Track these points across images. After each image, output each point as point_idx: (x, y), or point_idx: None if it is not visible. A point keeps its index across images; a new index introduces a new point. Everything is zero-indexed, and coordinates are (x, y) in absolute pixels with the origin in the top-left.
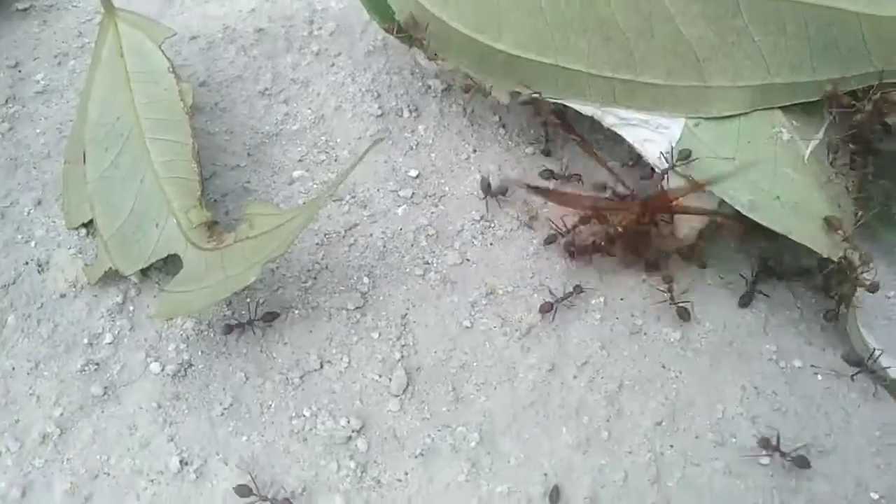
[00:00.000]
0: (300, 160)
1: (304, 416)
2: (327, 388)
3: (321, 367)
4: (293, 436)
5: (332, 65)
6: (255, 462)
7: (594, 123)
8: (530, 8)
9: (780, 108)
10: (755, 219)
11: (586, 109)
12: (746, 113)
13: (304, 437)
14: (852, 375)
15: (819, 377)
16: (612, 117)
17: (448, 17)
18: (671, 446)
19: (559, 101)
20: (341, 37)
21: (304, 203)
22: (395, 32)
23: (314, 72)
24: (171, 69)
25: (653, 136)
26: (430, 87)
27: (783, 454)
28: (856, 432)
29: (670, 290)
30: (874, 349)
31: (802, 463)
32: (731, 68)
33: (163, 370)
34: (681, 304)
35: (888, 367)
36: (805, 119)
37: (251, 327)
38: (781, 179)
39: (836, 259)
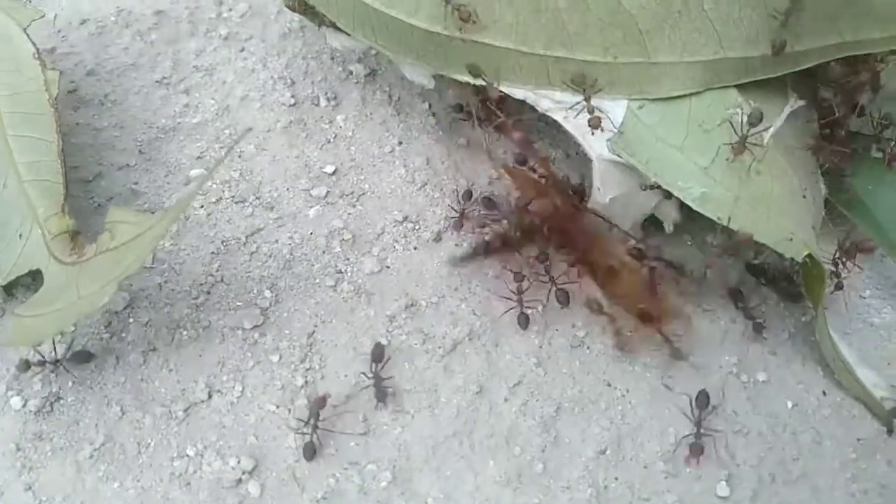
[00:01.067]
0: (199, 157)
1: (187, 455)
2: (216, 422)
3: (209, 397)
4: (174, 480)
5: (242, 50)
6: None
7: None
8: None
9: (736, 86)
10: (707, 214)
11: (517, 92)
12: (697, 93)
13: (187, 480)
14: (824, 391)
15: (785, 392)
16: (546, 101)
17: None
18: (616, 479)
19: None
20: (254, 19)
21: (201, 207)
22: (301, 10)
23: (221, 58)
24: (36, 56)
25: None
26: (351, 72)
27: None
28: (828, 455)
29: (547, 272)
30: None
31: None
32: (678, 42)
33: (25, 405)
34: (560, 287)
35: (864, 379)
36: (765, 99)
37: (56, 368)
38: (737, 169)
39: (799, 260)
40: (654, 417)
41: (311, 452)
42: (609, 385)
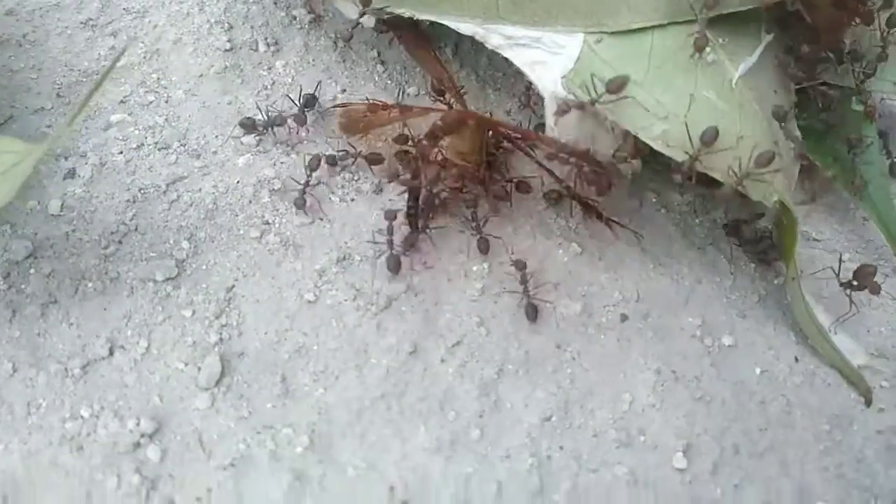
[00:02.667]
0: (122, 101)
1: (81, 417)
2: (116, 380)
3: (111, 353)
4: (65, 443)
5: None
6: (10, 479)
7: (492, 58)
8: None
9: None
10: (668, 154)
11: (465, 28)
12: (660, 26)
13: (80, 444)
14: (796, 357)
15: (754, 358)
16: (496, 37)
17: None
18: (560, 448)
19: (428, 18)
20: None
21: (119, 154)
22: None
23: (154, 0)
24: None
25: (545, 57)
26: (295, 17)
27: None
28: (799, 426)
29: (474, 218)
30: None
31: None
32: None
33: None
34: (483, 236)
35: (841, 346)
36: (735, 35)
37: None
38: (703, 108)
39: (769, 205)
40: (606, 382)
41: None
42: (559, 347)
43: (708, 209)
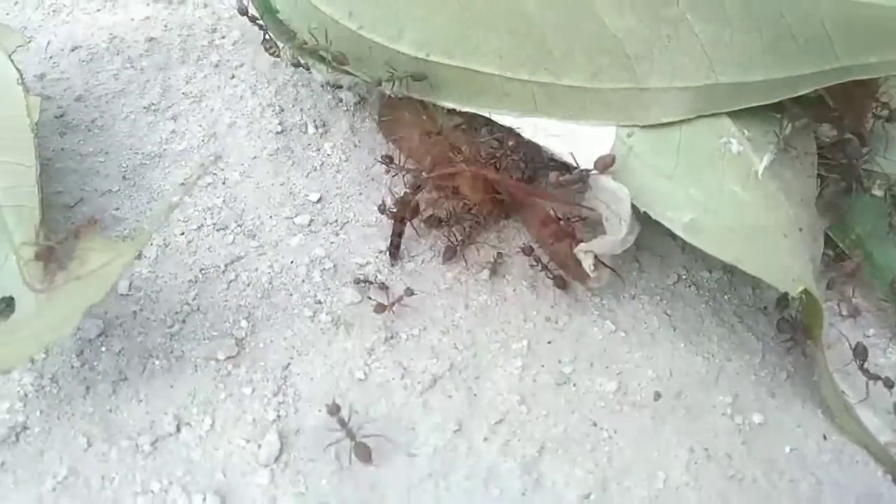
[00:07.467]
0: (183, 183)
1: (151, 491)
2: (184, 456)
3: (178, 430)
4: None
5: (232, 77)
6: None
7: None
8: (433, 1)
9: (729, 114)
10: (695, 244)
11: (503, 119)
12: (688, 120)
13: None
14: (824, 435)
15: (783, 436)
16: (531, 127)
17: (340, 17)
18: None
19: (469, 110)
20: (246, 47)
21: (181, 234)
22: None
23: (210, 85)
24: (20, 81)
25: (580, 148)
26: (341, 100)
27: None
28: None
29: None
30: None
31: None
32: (667, 67)
33: None
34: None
35: (868, 423)
36: (759, 127)
37: None
38: (728, 199)
39: (795, 295)
40: (642, 460)
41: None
42: (595, 425)
43: (736, 287)
